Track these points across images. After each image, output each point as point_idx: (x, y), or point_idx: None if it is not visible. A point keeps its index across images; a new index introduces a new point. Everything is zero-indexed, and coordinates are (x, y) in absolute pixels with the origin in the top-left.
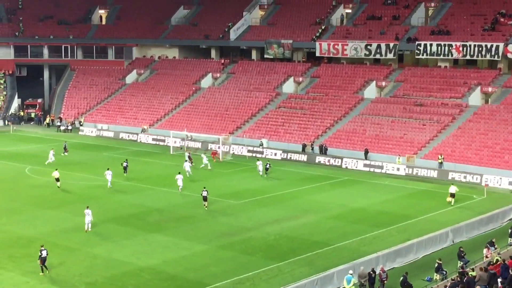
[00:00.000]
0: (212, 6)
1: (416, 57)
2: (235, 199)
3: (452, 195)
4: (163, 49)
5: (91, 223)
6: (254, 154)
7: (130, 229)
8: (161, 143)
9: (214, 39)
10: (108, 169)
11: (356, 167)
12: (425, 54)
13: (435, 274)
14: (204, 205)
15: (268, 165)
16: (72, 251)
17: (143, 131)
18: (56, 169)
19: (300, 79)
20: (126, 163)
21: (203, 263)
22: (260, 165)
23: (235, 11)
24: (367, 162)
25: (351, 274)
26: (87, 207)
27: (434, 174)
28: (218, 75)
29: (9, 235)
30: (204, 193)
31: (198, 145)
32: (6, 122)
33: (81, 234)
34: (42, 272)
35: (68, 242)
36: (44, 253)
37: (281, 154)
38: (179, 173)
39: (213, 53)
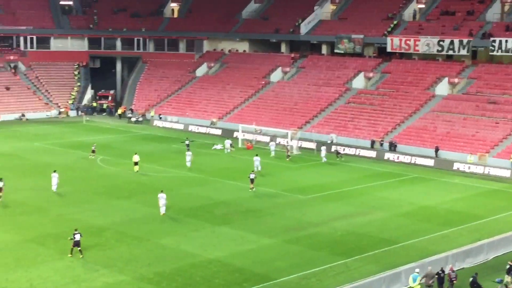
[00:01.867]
0: (282, 0)
1: (491, 53)
2: (302, 194)
3: None
4: (233, 43)
5: (166, 206)
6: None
7: (198, 221)
8: (230, 137)
9: (285, 33)
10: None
11: (426, 164)
12: (500, 50)
13: (506, 276)
14: (251, 188)
15: (339, 154)
16: (141, 241)
17: (213, 124)
18: (136, 153)
19: (371, 74)
20: (188, 142)
21: (269, 257)
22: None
23: (306, 5)
24: (438, 159)
25: (417, 273)
26: (162, 191)
27: (506, 173)
28: (288, 69)
29: (80, 224)
30: (252, 176)
31: (267, 139)
32: (79, 113)
33: (151, 224)
34: (71, 254)
35: (137, 232)
36: (77, 237)
37: (349, 150)
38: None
39: (283, 47)
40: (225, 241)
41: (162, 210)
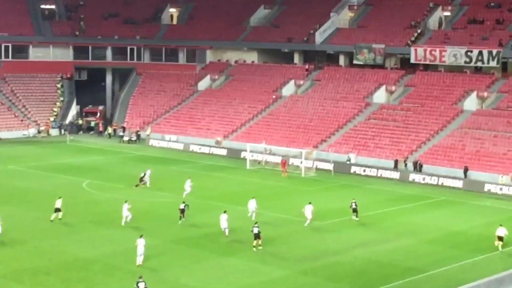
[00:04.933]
0: (296, 6)
1: None
2: (319, 219)
3: (500, 238)
4: (240, 53)
5: (144, 255)
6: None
7: (201, 252)
8: (237, 157)
9: (298, 42)
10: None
11: (454, 186)
12: None
13: None
14: (255, 246)
15: (354, 204)
16: (135, 275)
17: (217, 143)
18: (60, 197)
19: (393, 88)
20: (183, 206)
21: None
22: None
23: (321, 12)
24: (467, 180)
25: None
26: (141, 236)
27: None
28: (302, 82)
29: (65, 256)
30: (256, 230)
31: (278, 159)
32: (62, 132)
33: (146, 256)
34: None
35: (130, 265)
36: (141, 286)
37: (370, 171)
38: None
39: (296, 57)
40: (232, 274)
41: (139, 260)
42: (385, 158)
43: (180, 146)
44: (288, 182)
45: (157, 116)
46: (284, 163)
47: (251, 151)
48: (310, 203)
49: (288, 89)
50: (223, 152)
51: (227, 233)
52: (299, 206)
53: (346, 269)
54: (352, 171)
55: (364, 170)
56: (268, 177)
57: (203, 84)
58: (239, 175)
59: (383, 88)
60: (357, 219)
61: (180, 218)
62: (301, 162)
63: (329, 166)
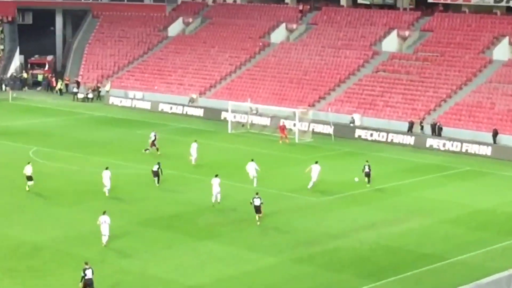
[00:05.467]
0: None
1: None
2: (316, 195)
3: None
4: None
5: (109, 237)
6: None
7: (173, 235)
8: (216, 119)
9: None
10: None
11: (481, 153)
12: None
13: None
14: (257, 220)
15: (367, 167)
16: (92, 264)
17: (192, 101)
18: (29, 162)
19: (406, 33)
20: (158, 166)
21: (272, 282)
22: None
23: None
24: (496, 147)
25: None
26: (104, 213)
27: None
28: (295, 26)
29: (9, 241)
30: (257, 202)
31: (266, 121)
32: (4, 87)
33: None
34: None
35: (87, 252)
36: (88, 273)
37: (378, 135)
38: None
39: None
40: (211, 262)
41: (104, 240)
42: (397, 120)
43: (146, 105)
44: (279, 150)
45: (118, 69)
46: (283, 129)
47: (233, 111)
48: (316, 162)
49: (278, 35)
50: (199, 112)
51: (219, 199)
52: (292, 179)
53: (349, 256)
54: (356, 135)
55: (371, 134)
56: (254, 144)
57: (174, 28)
58: (219, 141)
59: (394, 33)
60: (369, 185)
61: (155, 181)
62: (294, 125)
63: (329, 130)
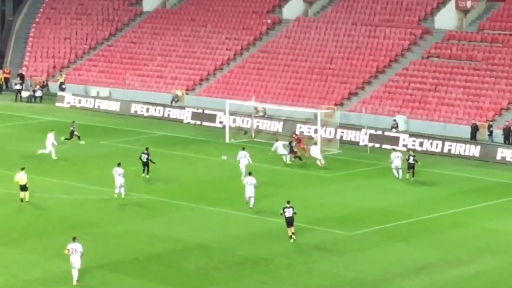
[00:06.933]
0: None
1: None
2: (346, 227)
3: None
4: None
5: (79, 269)
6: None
7: (150, 284)
8: (209, 123)
9: None
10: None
11: None
12: None
13: None
14: (290, 236)
15: (412, 158)
16: None
17: (175, 100)
18: (23, 169)
19: (468, 3)
20: (146, 155)
21: None
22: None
23: None
24: None
25: None
26: (74, 240)
27: None
28: None
29: None
30: (289, 213)
31: (278, 126)
32: None
33: None
34: None
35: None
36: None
37: (431, 144)
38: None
39: None
40: None
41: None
42: (456, 123)
43: (115, 106)
44: (295, 165)
45: (75, 57)
46: (299, 141)
47: (232, 114)
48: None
49: (293, 8)
50: (186, 114)
51: (251, 204)
52: (314, 205)
53: None
54: (400, 144)
55: (421, 143)
56: (261, 157)
57: (151, 1)
58: (214, 154)
59: (451, 4)
60: (413, 179)
61: (143, 171)
62: (315, 131)
63: (362, 137)
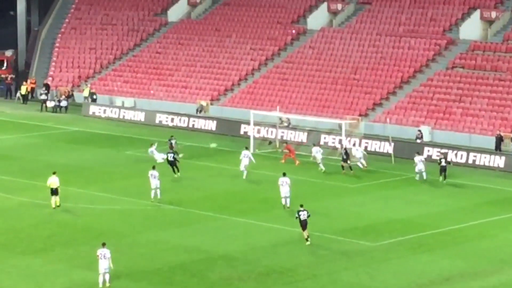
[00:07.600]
0: None
1: None
2: (370, 238)
3: None
4: None
5: (110, 273)
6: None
7: None
8: (234, 134)
9: None
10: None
11: None
12: None
13: None
14: (306, 238)
15: (444, 161)
16: None
17: (200, 110)
18: (54, 173)
19: (493, 14)
20: (172, 156)
21: None
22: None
23: None
24: None
25: None
26: (103, 245)
27: None
28: (340, 6)
29: None
30: (303, 216)
31: (302, 136)
32: None
33: None
34: None
35: None
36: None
37: (456, 155)
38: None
39: None
40: None
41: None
42: (481, 134)
43: (140, 116)
44: (319, 176)
45: (101, 67)
46: (290, 150)
47: (256, 124)
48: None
49: (318, 19)
50: (211, 125)
51: (288, 204)
52: (338, 216)
53: None
54: (425, 155)
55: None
56: (285, 167)
57: (176, 11)
58: (238, 164)
59: (476, 14)
60: (445, 182)
61: (174, 171)
62: (340, 142)
63: (387, 148)
